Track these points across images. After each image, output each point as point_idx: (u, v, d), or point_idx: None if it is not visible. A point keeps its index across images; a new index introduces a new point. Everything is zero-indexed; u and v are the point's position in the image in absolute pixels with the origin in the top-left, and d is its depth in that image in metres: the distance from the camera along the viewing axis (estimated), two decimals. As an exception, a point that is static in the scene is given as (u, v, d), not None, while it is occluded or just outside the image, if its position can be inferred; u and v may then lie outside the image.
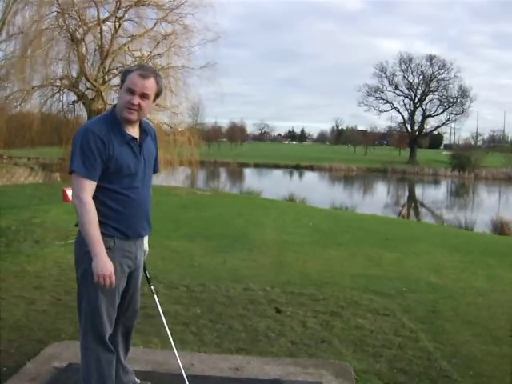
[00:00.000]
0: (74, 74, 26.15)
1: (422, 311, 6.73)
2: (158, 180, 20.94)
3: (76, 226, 3.47)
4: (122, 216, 3.49)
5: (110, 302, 3.55)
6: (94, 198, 3.41)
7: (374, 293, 7.46)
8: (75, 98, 26.93)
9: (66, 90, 26.83)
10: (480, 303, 7.28)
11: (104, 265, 3.33)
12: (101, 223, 3.40)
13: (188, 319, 6.00)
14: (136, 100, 3.46)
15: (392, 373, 4.80)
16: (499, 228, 19.21)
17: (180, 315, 6.12)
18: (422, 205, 37.47)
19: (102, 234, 3.41)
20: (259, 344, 5.37)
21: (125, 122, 3.51)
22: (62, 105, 27.28)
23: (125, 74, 3.52)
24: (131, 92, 3.46)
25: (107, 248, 3.43)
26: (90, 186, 3.39)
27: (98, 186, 3.42)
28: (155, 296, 4.02)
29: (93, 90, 25.55)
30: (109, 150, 3.41)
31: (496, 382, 4.74)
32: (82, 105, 26.95)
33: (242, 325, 5.89)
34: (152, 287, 3.99)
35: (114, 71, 26.45)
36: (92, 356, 3.55)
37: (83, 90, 26.46)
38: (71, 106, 27.48)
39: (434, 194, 46.25)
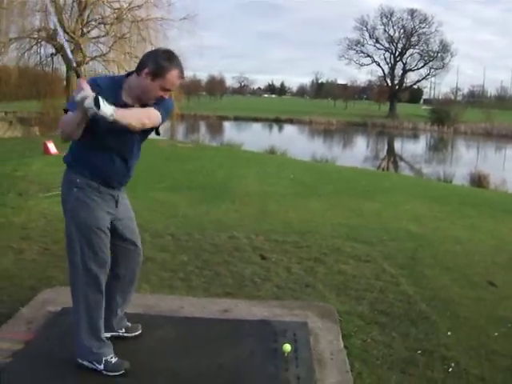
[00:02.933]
0: (52, 26, 25.75)
1: (402, 258, 6.93)
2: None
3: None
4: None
5: (99, 236, 3.67)
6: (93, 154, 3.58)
7: (355, 241, 7.65)
8: (53, 50, 26.61)
9: (43, 43, 26.45)
10: (458, 251, 7.50)
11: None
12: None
13: (175, 266, 6.15)
14: (166, 95, 3.59)
15: (374, 314, 5.01)
16: (477, 181, 19.50)
17: (167, 262, 6.26)
18: (401, 158, 37.63)
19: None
20: (246, 289, 5.54)
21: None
22: (40, 57, 26.94)
23: (164, 68, 3.45)
24: (165, 90, 3.54)
25: (94, 188, 3.63)
26: None
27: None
28: None
29: (71, 42, 25.22)
30: None
31: (472, 323, 4.96)
32: (60, 57, 26.62)
33: (228, 271, 6.06)
34: None
35: (93, 23, 26.18)
36: (80, 295, 3.69)
37: (61, 42, 26.11)
38: (49, 58, 27.16)
39: (413, 148, 46.40)
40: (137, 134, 3.61)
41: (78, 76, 3.35)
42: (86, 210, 3.59)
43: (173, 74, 3.48)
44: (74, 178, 3.59)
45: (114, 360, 3.71)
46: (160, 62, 3.45)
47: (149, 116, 3.46)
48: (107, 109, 3.13)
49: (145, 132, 3.63)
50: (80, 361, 3.71)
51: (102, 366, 3.66)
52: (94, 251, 3.64)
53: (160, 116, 3.54)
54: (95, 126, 3.36)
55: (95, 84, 3.36)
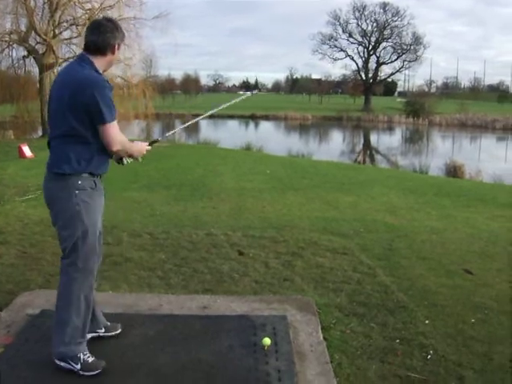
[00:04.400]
0: (23, 28, 25.62)
1: (379, 249, 7.00)
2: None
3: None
4: (104, 159, 3.72)
5: (98, 240, 3.79)
6: (88, 144, 3.60)
7: (332, 234, 7.71)
8: (25, 53, 26.39)
9: (15, 45, 26.27)
10: (434, 241, 7.58)
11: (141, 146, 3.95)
12: (92, 165, 3.64)
13: (153, 264, 6.16)
14: None
15: (352, 305, 5.06)
16: (452, 171, 19.68)
17: (145, 261, 6.27)
18: (377, 151, 37.79)
19: (92, 174, 3.66)
20: (224, 284, 5.56)
21: None
22: (12, 60, 26.79)
23: (123, 34, 3.81)
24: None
25: (91, 188, 3.67)
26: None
27: (94, 134, 3.58)
28: None
29: (43, 44, 25.08)
30: None
31: (449, 310, 5.03)
32: (32, 60, 26.45)
33: (206, 267, 6.08)
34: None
35: (65, 24, 26.00)
36: (81, 297, 3.70)
37: (33, 44, 25.93)
38: (21, 61, 26.94)
39: (388, 141, 46.63)
40: None
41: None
42: (94, 211, 3.68)
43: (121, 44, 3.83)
44: (75, 181, 3.61)
45: (90, 359, 3.72)
46: (120, 31, 3.76)
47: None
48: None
49: None
50: (57, 362, 3.71)
51: (78, 366, 3.67)
52: (95, 253, 3.75)
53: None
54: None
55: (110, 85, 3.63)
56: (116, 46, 3.70)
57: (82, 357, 3.69)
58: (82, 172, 3.59)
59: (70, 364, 3.68)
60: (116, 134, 3.57)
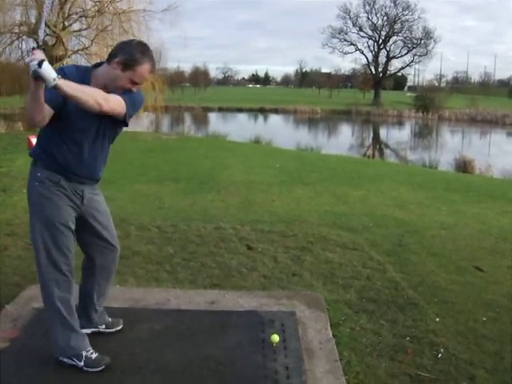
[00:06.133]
0: (33, 20, 25.50)
1: (389, 245, 6.95)
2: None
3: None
4: (64, 154, 3.53)
5: (62, 232, 3.57)
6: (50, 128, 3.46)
7: (341, 228, 7.66)
8: (35, 44, 26.25)
9: (25, 37, 26.16)
10: (444, 236, 7.52)
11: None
12: (45, 154, 3.55)
13: (161, 258, 6.12)
14: (134, 88, 3.53)
15: (361, 302, 5.01)
16: (462, 166, 19.57)
17: (153, 255, 6.23)
18: (387, 146, 37.61)
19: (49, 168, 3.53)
20: (232, 279, 5.52)
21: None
22: (22, 52, 26.60)
23: (136, 60, 3.43)
24: (134, 83, 3.50)
25: (54, 183, 3.52)
26: None
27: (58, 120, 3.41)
28: None
29: (53, 36, 25.01)
30: None
31: (459, 308, 4.97)
32: (42, 52, 26.35)
33: (214, 262, 6.04)
34: None
35: (74, 16, 25.90)
36: (48, 294, 3.60)
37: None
38: (31, 53, 26.85)
39: (398, 135, 46.38)
40: (103, 127, 3.57)
41: (36, 48, 3.16)
42: (50, 205, 3.51)
43: (144, 68, 3.47)
44: (36, 172, 3.53)
45: (94, 356, 3.68)
46: (133, 53, 3.43)
47: (106, 98, 3.31)
48: (50, 71, 3.00)
49: (113, 124, 3.60)
50: (60, 358, 3.69)
51: (82, 363, 3.64)
52: (58, 248, 3.56)
53: (124, 105, 3.46)
54: (64, 113, 3.36)
55: (62, 72, 3.28)
56: (116, 61, 3.41)
57: (84, 354, 3.65)
58: (37, 159, 3.54)
59: (73, 360, 3.66)
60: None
